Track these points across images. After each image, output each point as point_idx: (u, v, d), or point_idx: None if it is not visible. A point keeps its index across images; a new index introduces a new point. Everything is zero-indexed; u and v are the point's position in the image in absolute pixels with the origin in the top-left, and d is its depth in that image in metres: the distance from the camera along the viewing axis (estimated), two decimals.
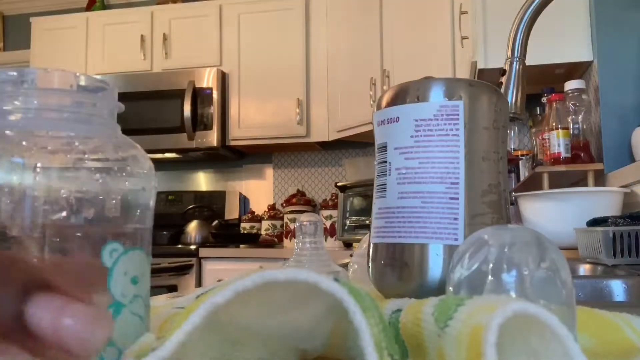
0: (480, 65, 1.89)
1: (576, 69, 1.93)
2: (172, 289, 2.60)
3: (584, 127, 1.73)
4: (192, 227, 2.99)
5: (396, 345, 0.30)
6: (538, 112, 2.15)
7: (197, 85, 3.01)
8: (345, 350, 0.28)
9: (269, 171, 3.38)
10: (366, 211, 2.69)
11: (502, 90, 0.72)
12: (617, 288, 0.77)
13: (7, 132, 0.26)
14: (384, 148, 0.46)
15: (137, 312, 0.28)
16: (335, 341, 0.28)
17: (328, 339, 0.28)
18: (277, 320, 0.25)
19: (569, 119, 1.72)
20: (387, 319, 0.32)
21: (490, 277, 0.28)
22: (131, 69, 3.17)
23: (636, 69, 1.72)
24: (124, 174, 0.28)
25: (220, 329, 0.25)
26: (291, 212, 3.08)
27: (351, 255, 0.62)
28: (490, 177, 0.44)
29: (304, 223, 0.48)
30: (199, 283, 2.68)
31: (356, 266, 0.59)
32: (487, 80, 1.76)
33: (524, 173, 2.13)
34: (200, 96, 3.01)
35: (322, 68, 3.03)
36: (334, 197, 3.05)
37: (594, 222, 1.08)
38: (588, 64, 1.85)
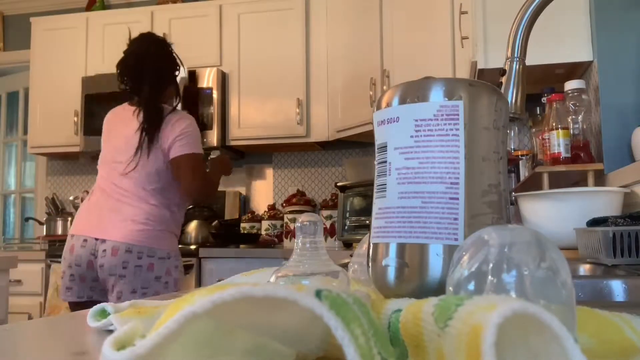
0: (480, 65, 1.89)
1: (576, 69, 1.93)
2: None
3: (584, 127, 1.73)
4: (192, 227, 2.99)
5: (392, 347, 0.30)
6: (538, 112, 2.15)
7: (197, 85, 3.01)
8: None
9: (269, 171, 3.38)
10: (366, 211, 2.69)
11: (502, 90, 0.72)
12: (617, 288, 0.77)
13: None
14: (384, 148, 0.46)
15: None
16: (333, 341, 0.28)
17: (323, 341, 0.28)
18: (265, 320, 0.25)
19: (569, 119, 1.72)
20: (387, 319, 0.32)
21: (490, 277, 0.28)
22: None
23: (636, 69, 1.72)
24: None
25: (208, 326, 0.25)
26: (291, 212, 3.09)
27: (351, 255, 0.62)
28: (490, 177, 0.44)
29: (304, 223, 0.48)
30: (199, 283, 2.68)
31: (356, 266, 0.59)
32: (487, 80, 1.76)
33: (524, 173, 2.13)
34: (200, 96, 3.01)
35: (322, 68, 3.03)
36: (334, 197, 3.05)
37: (594, 222, 1.08)
38: (588, 64, 1.86)
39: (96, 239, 1.84)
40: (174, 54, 2.06)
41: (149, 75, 1.94)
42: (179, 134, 1.90)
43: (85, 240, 1.86)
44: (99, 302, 1.77)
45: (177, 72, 2.05)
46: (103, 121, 2.07)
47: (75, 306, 1.93)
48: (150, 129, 1.89)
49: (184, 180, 1.91)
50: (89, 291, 1.91)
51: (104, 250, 1.82)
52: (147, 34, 2.07)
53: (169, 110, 1.95)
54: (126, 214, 1.86)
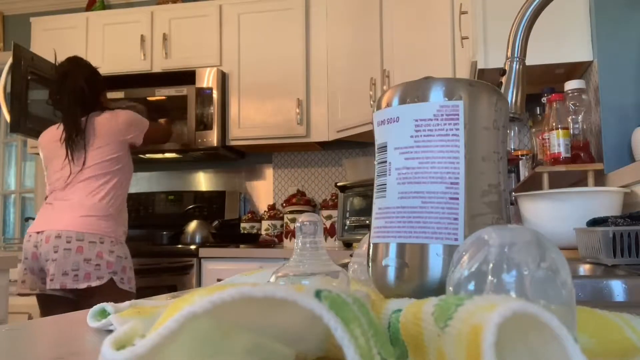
0: (480, 65, 1.89)
1: (576, 69, 1.93)
2: (172, 289, 2.60)
3: (584, 127, 1.73)
4: (192, 227, 2.99)
5: (392, 347, 0.30)
6: (538, 112, 2.15)
7: (197, 85, 3.01)
8: None
9: (269, 171, 3.38)
10: (366, 211, 2.69)
11: (502, 90, 0.72)
12: (617, 288, 0.77)
13: None
14: (384, 148, 0.46)
15: None
16: (333, 341, 0.28)
17: (323, 341, 0.28)
18: (265, 320, 0.25)
19: (569, 119, 1.72)
20: (387, 319, 0.32)
21: (490, 277, 0.28)
22: (131, 69, 3.17)
23: (636, 69, 1.72)
24: None
25: (207, 325, 0.25)
26: (291, 212, 3.08)
27: (351, 255, 0.62)
28: (490, 177, 0.44)
29: (304, 223, 0.48)
30: (199, 283, 2.68)
31: (356, 266, 0.59)
32: (487, 80, 1.76)
33: (524, 173, 2.13)
34: (200, 96, 3.01)
35: (322, 68, 3.03)
36: (334, 197, 3.05)
37: (594, 222, 1.08)
38: (588, 64, 1.85)
39: (37, 232, 2.15)
40: (98, 76, 2.37)
41: (68, 91, 2.24)
42: (126, 127, 2.29)
43: (30, 236, 2.17)
44: (50, 295, 2.15)
45: (101, 93, 2.38)
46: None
47: (39, 300, 2.22)
48: (71, 138, 2.20)
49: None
50: (40, 284, 2.16)
51: (41, 240, 2.12)
52: (73, 57, 2.36)
53: (97, 114, 2.27)
54: (57, 208, 2.17)
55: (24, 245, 2.17)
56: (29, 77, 2.64)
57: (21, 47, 2.63)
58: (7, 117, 2.61)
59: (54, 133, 2.29)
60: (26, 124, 2.62)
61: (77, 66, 2.30)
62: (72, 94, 2.23)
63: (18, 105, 2.56)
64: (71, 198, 2.18)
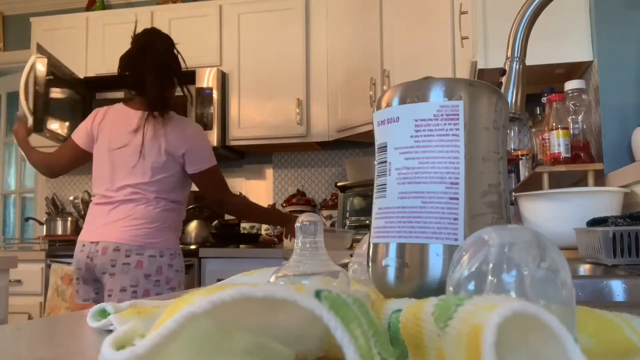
0: (480, 65, 1.89)
1: (576, 69, 1.93)
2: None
3: (584, 127, 1.73)
4: (192, 227, 2.99)
5: (392, 347, 0.30)
6: (538, 112, 2.15)
7: (197, 85, 3.01)
8: None
9: (269, 171, 3.38)
10: (366, 211, 2.69)
11: (502, 90, 0.72)
12: (617, 288, 0.77)
13: None
14: (384, 148, 0.46)
15: None
16: (333, 341, 0.28)
17: (323, 341, 0.28)
18: (265, 320, 0.25)
19: (569, 119, 1.72)
20: (387, 319, 0.32)
21: (490, 277, 0.28)
22: None
23: (636, 69, 1.72)
24: None
25: (207, 325, 0.25)
26: (291, 212, 3.08)
27: (351, 255, 0.62)
28: (490, 177, 0.44)
29: (304, 223, 0.48)
30: (199, 283, 2.68)
31: (356, 266, 0.59)
32: (487, 80, 1.76)
33: (524, 173, 2.13)
34: (200, 96, 3.01)
35: (322, 68, 3.03)
36: (334, 197, 3.05)
37: (594, 222, 1.08)
38: (588, 64, 1.85)
39: (92, 242, 1.91)
40: (178, 53, 2.05)
41: (149, 64, 1.93)
42: (192, 145, 1.96)
43: (83, 245, 1.94)
44: None
45: (177, 77, 2.06)
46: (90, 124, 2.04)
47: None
48: (155, 115, 1.92)
49: (208, 195, 2.08)
50: (93, 294, 1.98)
51: (97, 251, 1.89)
52: (152, 28, 2.06)
53: (171, 120, 1.97)
54: (117, 214, 1.91)
55: (75, 255, 1.96)
56: (48, 78, 2.65)
57: (42, 48, 2.65)
58: (30, 117, 2.50)
59: (122, 112, 1.98)
60: (47, 123, 2.63)
61: (158, 37, 2.00)
62: (155, 67, 1.93)
63: (41, 105, 2.55)
64: (124, 201, 1.91)
